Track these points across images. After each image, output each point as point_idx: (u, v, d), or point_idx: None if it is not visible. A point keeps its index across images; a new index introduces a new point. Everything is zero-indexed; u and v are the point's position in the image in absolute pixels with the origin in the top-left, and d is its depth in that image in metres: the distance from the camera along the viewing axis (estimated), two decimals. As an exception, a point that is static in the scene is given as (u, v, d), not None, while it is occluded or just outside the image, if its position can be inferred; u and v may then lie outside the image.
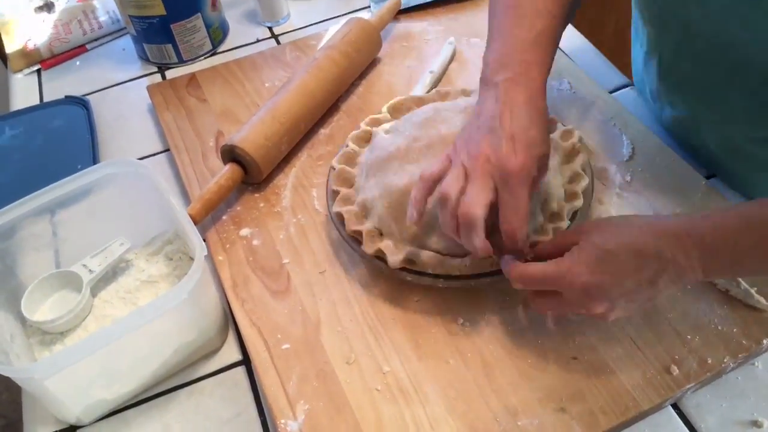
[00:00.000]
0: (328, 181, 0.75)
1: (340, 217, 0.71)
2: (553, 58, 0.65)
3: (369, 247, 0.67)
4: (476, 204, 0.56)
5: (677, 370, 0.60)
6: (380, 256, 0.67)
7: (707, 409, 0.60)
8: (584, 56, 0.94)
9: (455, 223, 0.58)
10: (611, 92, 0.88)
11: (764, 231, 0.52)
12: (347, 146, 0.77)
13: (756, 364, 0.62)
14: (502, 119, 0.59)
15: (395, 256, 0.66)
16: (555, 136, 0.74)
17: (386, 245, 0.67)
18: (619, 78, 0.91)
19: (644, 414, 0.59)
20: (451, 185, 0.58)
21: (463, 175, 0.59)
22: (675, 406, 0.61)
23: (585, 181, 0.69)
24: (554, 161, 0.70)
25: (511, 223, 0.57)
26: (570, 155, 0.72)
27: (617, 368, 0.61)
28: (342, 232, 0.70)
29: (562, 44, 0.94)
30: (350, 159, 0.76)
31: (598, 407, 0.59)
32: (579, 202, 0.68)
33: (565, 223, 0.67)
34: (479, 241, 0.57)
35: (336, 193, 0.73)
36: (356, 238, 0.69)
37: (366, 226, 0.69)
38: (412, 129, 0.72)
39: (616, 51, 1.04)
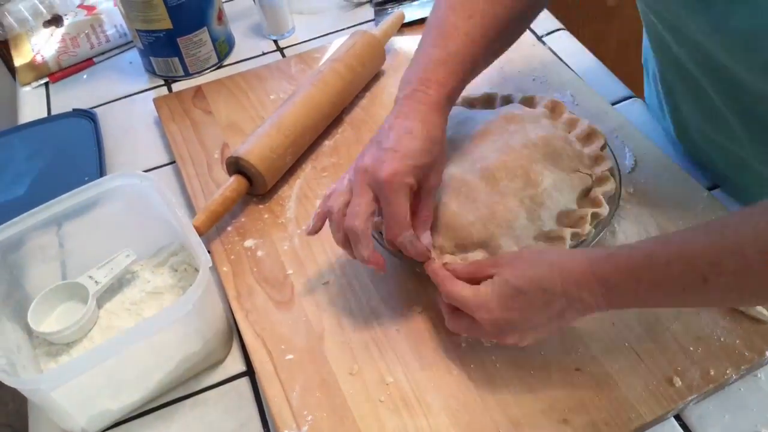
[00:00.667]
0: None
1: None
2: (463, 79, 0.66)
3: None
4: (356, 216, 0.60)
5: (680, 382, 0.60)
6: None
7: (710, 421, 0.60)
8: (587, 69, 0.95)
9: (342, 236, 0.62)
10: (614, 104, 0.88)
11: (665, 269, 0.52)
12: None
13: (759, 375, 0.62)
14: (389, 133, 0.62)
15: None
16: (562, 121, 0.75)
17: None
18: (622, 90, 0.92)
19: (647, 426, 0.59)
20: (335, 200, 0.63)
21: (348, 189, 0.62)
22: (678, 418, 0.61)
23: (610, 186, 0.70)
24: (556, 167, 0.70)
25: (391, 229, 0.61)
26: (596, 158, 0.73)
27: (620, 380, 0.61)
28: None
29: (564, 56, 0.96)
30: None
31: (601, 419, 0.59)
32: (604, 210, 0.68)
33: (586, 228, 0.66)
34: (366, 252, 0.61)
35: None
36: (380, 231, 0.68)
37: None
38: None
39: (619, 63, 1.05)
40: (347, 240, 0.62)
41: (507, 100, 0.80)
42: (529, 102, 0.79)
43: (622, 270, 0.54)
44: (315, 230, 0.66)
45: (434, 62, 0.64)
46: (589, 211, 0.67)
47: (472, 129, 0.74)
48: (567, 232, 0.66)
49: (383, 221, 0.62)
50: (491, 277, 0.59)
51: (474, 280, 0.60)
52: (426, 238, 0.63)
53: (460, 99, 0.79)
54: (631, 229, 0.72)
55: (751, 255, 0.48)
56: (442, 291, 0.62)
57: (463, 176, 0.69)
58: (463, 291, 0.59)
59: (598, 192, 0.69)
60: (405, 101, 0.64)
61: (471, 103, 0.81)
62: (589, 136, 0.74)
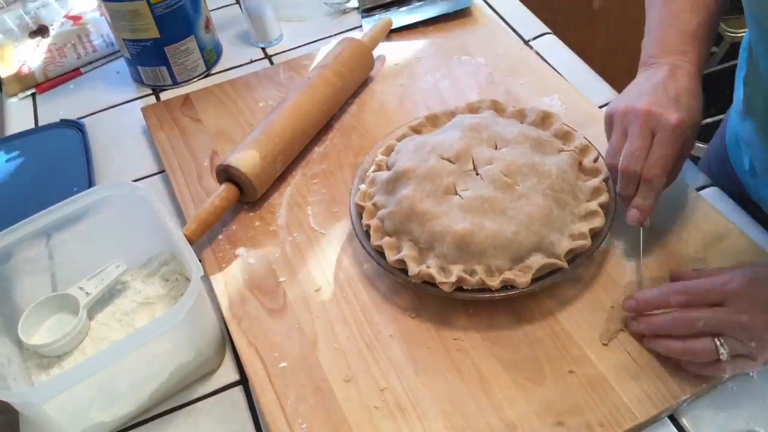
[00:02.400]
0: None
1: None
2: (709, 50, 0.69)
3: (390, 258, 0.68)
4: (633, 158, 0.63)
5: (673, 382, 0.60)
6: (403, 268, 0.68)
7: (704, 420, 0.60)
8: (574, 72, 0.95)
9: (617, 176, 0.65)
10: (601, 107, 0.89)
11: None
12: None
13: (751, 373, 0.63)
14: (667, 85, 0.65)
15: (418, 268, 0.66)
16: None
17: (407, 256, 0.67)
18: (608, 93, 0.92)
19: (641, 426, 0.59)
20: (615, 148, 0.65)
21: (624, 134, 0.65)
22: (672, 418, 0.61)
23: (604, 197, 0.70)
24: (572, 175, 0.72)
25: (652, 169, 0.62)
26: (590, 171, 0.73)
27: (614, 381, 0.61)
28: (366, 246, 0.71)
29: (552, 60, 0.96)
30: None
31: (596, 420, 0.59)
32: (599, 220, 0.68)
33: (587, 241, 0.67)
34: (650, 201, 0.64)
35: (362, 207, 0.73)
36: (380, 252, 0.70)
37: (386, 240, 0.69)
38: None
39: (605, 65, 1.05)
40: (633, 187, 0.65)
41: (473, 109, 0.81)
42: (521, 114, 0.79)
43: None
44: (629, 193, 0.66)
45: (685, 35, 0.68)
46: (586, 226, 0.67)
47: (443, 150, 0.73)
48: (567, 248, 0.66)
49: (646, 160, 0.63)
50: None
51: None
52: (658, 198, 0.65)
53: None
54: (622, 232, 0.72)
55: None
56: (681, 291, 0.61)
57: (477, 194, 0.69)
58: (701, 281, 0.60)
59: (593, 205, 0.69)
60: (672, 68, 0.66)
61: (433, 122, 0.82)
62: (583, 150, 0.75)
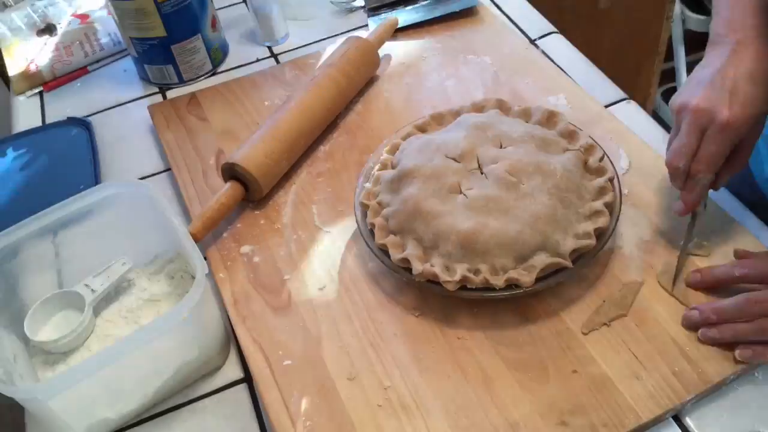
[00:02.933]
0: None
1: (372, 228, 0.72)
2: None
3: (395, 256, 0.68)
4: (678, 154, 0.64)
5: (677, 382, 0.60)
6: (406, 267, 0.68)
7: (708, 421, 0.60)
8: (580, 71, 0.95)
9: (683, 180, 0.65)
10: (607, 106, 0.88)
11: None
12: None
13: (756, 374, 0.62)
14: (725, 73, 0.62)
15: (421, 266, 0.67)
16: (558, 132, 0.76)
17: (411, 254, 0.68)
18: (615, 92, 0.92)
19: (645, 426, 0.59)
20: (683, 156, 0.64)
21: (677, 131, 0.65)
22: (676, 418, 0.61)
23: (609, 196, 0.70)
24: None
25: (699, 164, 0.63)
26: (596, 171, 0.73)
27: (617, 381, 0.61)
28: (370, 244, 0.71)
29: (558, 59, 0.96)
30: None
31: (600, 420, 0.59)
32: (604, 220, 0.68)
33: (591, 240, 0.67)
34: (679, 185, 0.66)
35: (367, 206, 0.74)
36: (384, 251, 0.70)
37: (391, 238, 0.70)
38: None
39: (612, 65, 1.05)
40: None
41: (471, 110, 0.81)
42: (526, 113, 0.79)
43: None
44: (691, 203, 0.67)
45: (751, 9, 0.65)
46: (591, 226, 0.67)
47: (448, 150, 0.73)
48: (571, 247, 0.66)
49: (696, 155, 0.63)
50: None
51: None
52: (721, 183, 0.67)
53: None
54: (627, 232, 0.72)
55: None
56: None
57: (482, 193, 0.69)
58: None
59: (598, 204, 0.69)
60: (738, 47, 0.63)
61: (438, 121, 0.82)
62: (588, 150, 0.74)
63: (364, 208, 0.73)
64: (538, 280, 0.65)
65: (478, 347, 0.65)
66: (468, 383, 0.63)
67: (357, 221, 0.73)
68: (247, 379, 0.69)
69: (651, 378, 0.61)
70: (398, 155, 0.77)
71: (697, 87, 0.64)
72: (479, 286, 0.65)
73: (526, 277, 0.65)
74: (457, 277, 0.65)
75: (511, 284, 0.65)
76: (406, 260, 0.67)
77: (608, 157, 0.73)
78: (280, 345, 0.68)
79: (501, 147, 0.73)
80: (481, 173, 0.71)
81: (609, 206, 0.69)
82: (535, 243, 0.66)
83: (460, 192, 0.70)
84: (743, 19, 0.65)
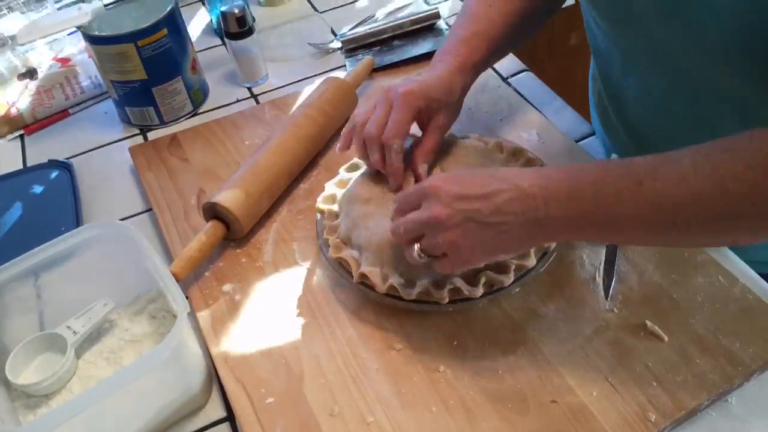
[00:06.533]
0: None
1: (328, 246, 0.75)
2: (483, 55, 0.78)
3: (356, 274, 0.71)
4: (374, 124, 0.74)
5: (653, 410, 0.62)
6: (366, 283, 0.71)
7: (685, 447, 0.62)
8: (552, 107, 0.98)
9: (362, 145, 0.76)
10: (578, 141, 0.91)
11: (605, 171, 0.57)
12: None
13: (729, 400, 0.64)
14: (421, 73, 0.77)
15: (384, 283, 0.69)
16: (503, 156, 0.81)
17: (372, 272, 0.70)
18: (585, 127, 0.95)
19: (624, 454, 0.60)
20: (359, 116, 0.77)
21: (371, 109, 0.76)
22: (654, 445, 0.62)
23: None
24: None
25: (389, 131, 0.72)
26: None
27: (595, 410, 0.62)
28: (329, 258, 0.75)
29: (529, 96, 0.99)
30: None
31: (579, 449, 0.60)
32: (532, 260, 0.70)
33: (532, 261, 0.69)
34: (377, 156, 0.74)
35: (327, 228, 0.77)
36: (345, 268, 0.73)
37: (351, 253, 0.73)
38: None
39: (584, 99, 1.08)
40: (364, 148, 0.75)
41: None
42: (498, 147, 0.82)
43: (564, 170, 0.59)
44: (345, 147, 0.78)
45: (460, 39, 0.78)
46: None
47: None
48: (512, 264, 0.69)
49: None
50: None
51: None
52: (422, 168, 0.75)
53: None
54: (584, 255, 0.74)
55: (687, 165, 0.53)
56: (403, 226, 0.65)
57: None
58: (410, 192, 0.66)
59: None
60: (434, 64, 0.78)
61: None
62: (529, 161, 0.79)
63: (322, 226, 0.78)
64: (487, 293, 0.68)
65: (459, 379, 0.66)
66: (450, 416, 0.64)
67: (321, 247, 0.76)
68: (230, 417, 0.69)
69: (627, 406, 0.62)
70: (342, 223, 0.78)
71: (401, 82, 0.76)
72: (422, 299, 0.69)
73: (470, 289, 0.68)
74: (388, 284, 0.69)
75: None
76: (364, 275, 0.71)
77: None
78: (262, 383, 0.68)
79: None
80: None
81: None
82: None
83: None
84: (447, 46, 0.79)
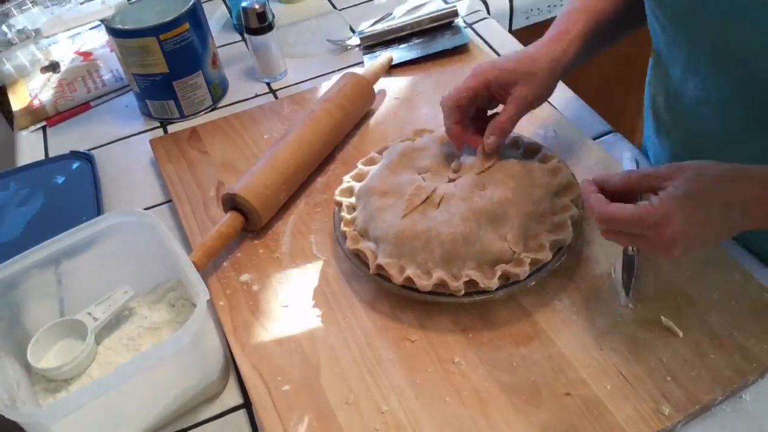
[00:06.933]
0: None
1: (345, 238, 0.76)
2: (585, 24, 0.77)
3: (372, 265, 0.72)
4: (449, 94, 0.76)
5: (667, 404, 0.62)
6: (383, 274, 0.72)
7: (698, 442, 0.62)
8: (569, 105, 0.98)
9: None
10: (595, 139, 0.91)
11: None
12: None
13: (744, 396, 0.64)
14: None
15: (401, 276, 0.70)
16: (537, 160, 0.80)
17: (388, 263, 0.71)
18: (602, 125, 0.95)
19: (637, 447, 0.61)
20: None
21: None
22: (667, 440, 0.62)
23: (575, 212, 0.73)
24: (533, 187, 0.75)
25: (443, 98, 0.76)
26: (563, 189, 0.77)
27: (609, 403, 0.63)
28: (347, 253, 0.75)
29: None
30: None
31: (592, 442, 0.60)
32: (566, 236, 0.71)
33: (547, 255, 0.70)
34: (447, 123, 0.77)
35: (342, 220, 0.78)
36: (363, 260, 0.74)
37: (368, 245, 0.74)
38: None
39: (600, 99, 1.08)
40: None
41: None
42: (514, 142, 0.82)
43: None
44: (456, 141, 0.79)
45: (561, 14, 0.79)
46: (551, 237, 0.71)
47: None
48: (527, 259, 0.69)
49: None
50: (654, 191, 0.59)
51: (630, 195, 0.63)
52: (490, 140, 0.75)
53: None
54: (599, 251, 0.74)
55: None
56: (597, 216, 0.61)
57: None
58: (638, 211, 0.59)
59: (565, 217, 0.73)
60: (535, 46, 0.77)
61: None
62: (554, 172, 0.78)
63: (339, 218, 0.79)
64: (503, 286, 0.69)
65: (473, 371, 0.67)
66: (463, 407, 0.64)
67: (338, 240, 0.77)
68: (247, 404, 0.70)
69: (641, 400, 0.62)
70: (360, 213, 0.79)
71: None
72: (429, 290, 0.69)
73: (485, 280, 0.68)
74: (404, 276, 0.69)
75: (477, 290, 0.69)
76: (381, 267, 0.71)
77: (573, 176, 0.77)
78: (278, 371, 0.69)
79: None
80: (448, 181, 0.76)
81: (574, 222, 0.72)
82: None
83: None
84: (551, 35, 0.78)
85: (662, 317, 0.68)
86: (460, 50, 1.08)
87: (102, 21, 0.99)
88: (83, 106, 1.12)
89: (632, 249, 0.72)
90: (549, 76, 0.75)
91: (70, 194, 0.95)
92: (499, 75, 0.75)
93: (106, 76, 1.15)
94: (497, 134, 0.75)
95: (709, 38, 0.67)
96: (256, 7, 1.02)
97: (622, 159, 0.84)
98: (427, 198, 0.73)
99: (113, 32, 0.98)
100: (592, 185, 0.63)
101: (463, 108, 0.76)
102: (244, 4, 1.03)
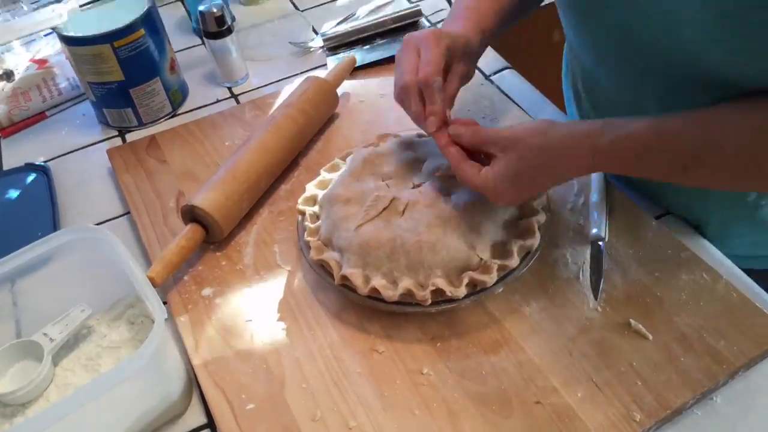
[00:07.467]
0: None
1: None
2: (492, 21, 0.79)
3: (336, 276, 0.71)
4: (405, 72, 0.72)
5: (638, 410, 0.61)
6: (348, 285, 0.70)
7: (670, 447, 0.61)
8: (534, 105, 0.97)
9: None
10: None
11: (653, 157, 0.62)
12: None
13: (714, 399, 0.63)
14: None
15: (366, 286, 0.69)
16: None
17: (353, 273, 0.69)
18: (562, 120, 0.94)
19: (608, 455, 0.60)
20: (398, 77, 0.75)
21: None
22: (639, 445, 0.61)
23: (542, 217, 0.72)
24: None
25: (424, 70, 0.71)
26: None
27: (580, 411, 0.62)
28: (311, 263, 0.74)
29: (512, 94, 0.98)
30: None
31: (563, 451, 0.59)
32: (534, 241, 0.70)
33: (515, 261, 0.69)
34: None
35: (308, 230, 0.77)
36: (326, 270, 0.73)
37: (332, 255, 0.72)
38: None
39: (560, 93, 1.08)
40: (404, 103, 0.74)
41: None
42: None
43: (615, 149, 0.62)
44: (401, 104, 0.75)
45: (467, 7, 0.80)
46: (518, 243, 0.70)
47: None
48: (495, 265, 0.68)
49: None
50: (493, 155, 0.66)
51: (477, 152, 0.69)
52: (448, 113, 0.73)
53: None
54: (585, 258, 0.73)
55: (730, 151, 0.59)
56: (452, 166, 0.69)
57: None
58: (469, 172, 0.67)
59: (533, 221, 0.72)
60: (445, 28, 0.78)
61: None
62: None
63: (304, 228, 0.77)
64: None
65: (443, 382, 0.65)
66: (433, 419, 0.63)
67: (301, 249, 0.75)
68: (211, 424, 0.68)
69: (612, 406, 0.62)
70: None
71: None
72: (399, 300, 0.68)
73: (452, 288, 0.67)
74: (370, 286, 0.68)
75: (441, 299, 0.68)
76: (345, 277, 0.70)
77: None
78: (243, 388, 0.67)
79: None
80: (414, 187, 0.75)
81: (541, 226, 0.72)
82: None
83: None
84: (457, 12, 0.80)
85: (631, 320, 0.67)
86: (424, 50, 1.07)
87: (53, 29, 0.95)
88: (39, 116, 1.09)
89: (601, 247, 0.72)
90: (475, 65, 0.79)
91: (26, 209, 0.92)
92: (453, 47, 0.73)
93: (62, 85, 1.11)
94: (451, 107, 0.75)
95: (613, 25, 0.68)
96: (214, 10, 1.00)
97: None
98: (384, 209, 0.72)
99: (65, 40, 0.95)
100: (447, 136, 0.70)
101: (430, 82, 0.72)
102: (201, 8, 1.00)
